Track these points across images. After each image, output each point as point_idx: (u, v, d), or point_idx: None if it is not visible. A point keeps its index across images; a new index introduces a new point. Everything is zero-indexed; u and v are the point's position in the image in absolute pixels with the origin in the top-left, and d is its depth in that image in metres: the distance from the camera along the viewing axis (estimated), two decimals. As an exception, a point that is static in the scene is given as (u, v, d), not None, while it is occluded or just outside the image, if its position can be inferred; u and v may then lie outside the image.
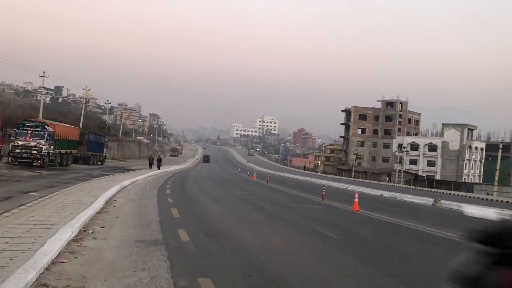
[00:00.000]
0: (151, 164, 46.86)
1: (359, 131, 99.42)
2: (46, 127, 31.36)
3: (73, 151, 38.32)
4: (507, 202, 35.51)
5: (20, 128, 30.61)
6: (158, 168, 44.41)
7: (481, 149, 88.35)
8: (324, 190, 23.86)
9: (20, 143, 29.72)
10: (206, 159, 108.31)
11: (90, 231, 8.95)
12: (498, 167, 57.24)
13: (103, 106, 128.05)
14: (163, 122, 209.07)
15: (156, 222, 10.83)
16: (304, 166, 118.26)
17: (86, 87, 72.62)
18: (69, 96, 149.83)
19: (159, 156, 55.06)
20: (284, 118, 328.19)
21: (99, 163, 47.51)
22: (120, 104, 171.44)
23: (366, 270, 7.51)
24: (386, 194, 32.47)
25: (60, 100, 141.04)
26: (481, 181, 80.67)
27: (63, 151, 34.65)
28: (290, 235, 10.96)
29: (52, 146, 31.42)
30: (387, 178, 67.87)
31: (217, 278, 6.04)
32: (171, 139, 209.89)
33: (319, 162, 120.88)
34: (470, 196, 41.88)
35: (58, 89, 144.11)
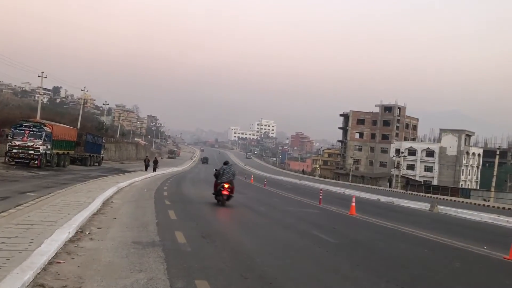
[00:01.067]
0: (147, 166, 45.92)
1: (357, 135, 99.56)
2: (44, 127, 31.30)
3: (71, 152, 38.26)
4: (503, 208, 35.57)
5: (18, 128, 30.53)
6: (154, 170, 43.54)
7: (479, 155, 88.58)
8: (321, 194, 23.89)
9: (18, 143, 29.65)
10: (205, 161, 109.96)
11: (87, 232, 8.94)
12: (495, 173, 57.39)
13: (101, 107, 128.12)
14: (161, 124, 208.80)
15: (153, 224, 10.82)
16: (303, 170, 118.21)
17: (84, 88, 72.53)
18: (67, 96, 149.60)
19: (155, 158, 52.87)
20: (282, 122, 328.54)
21: (96, 164, 47.41)
22: (118, 105, 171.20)
23: (363, 274, 7.53)
24: (383, 199, 32.49)
25: (58, 100, 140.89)
26: (478, 187, 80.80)
27: (60, 151, 34.58)
28: (287, 238, 10.98)
29: (49, 147, 31.36)
30: (388, 184, 67.43)
31: (213, 280, 6.05)
32: (169, 141, 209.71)
33: (317, 166, 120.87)
34: (466, 202, 41.93)
35: (56, 90, 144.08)
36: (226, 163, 17.45)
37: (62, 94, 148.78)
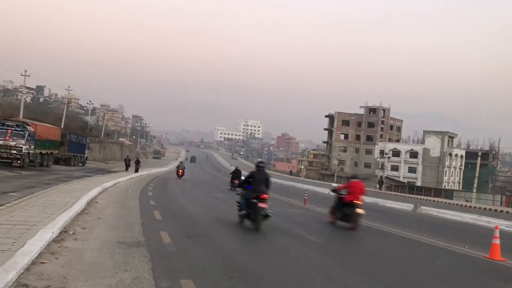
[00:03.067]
0: (127, 166, 43.51)
1: (342, 136, 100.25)
2: (27, 127, 30.89)
3: (54, 151, 37.81)
4: (484, 208, 36.21)
5: (0, 127, 30.07)
6: (136, 171, 40.52)
7: (461, 156, 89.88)
8: (306, 195, 24.05)
9: (0, 142, 29.20)
10: (193, 159, 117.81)
11: (71, 232, 8.89)
12: (477, 174, 58.34)
13: (85, 106, 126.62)
14: (146, 124, 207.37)
15: (138, 224, 10.80)
16: (290, 171, 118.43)
17: (69, 87, 71.74)
18: (51, 96, 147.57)
19: (137, 158, 47.95)
20: (268, 123, 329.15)
21: (80, 164, 46.96)
22: (102, 105, 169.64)
23: (346, 273, 7.63)
24: (367, 199, 32.68)
25: (41, 99, 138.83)
26: (461, 188, 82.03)
27: (43, 151, 34.16)
28: (271, 238, 11.03)
29: (32, 146, 30.94)
30: (378, 185, 67.61)
31: (198, 279, 6.07)
32: (154, 141, 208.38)
33: (302, 167, 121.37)
34: (449, 203, 42.54)
35: (40, 89, 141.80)
36: (181, 162, 49.72)
37: (46, 93, 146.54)
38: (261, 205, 11.08)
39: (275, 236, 11.44)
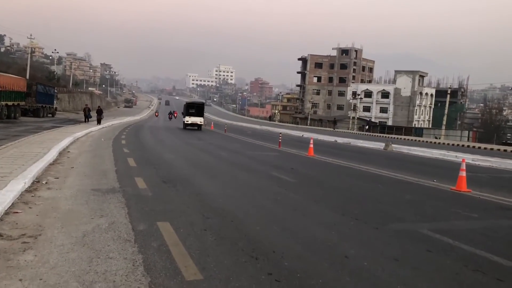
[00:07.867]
0: (87, 117, 36.72)
1: (315, 79, 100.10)
2: (-11, 78, 29.66)
3: (21, 103, 36.60)
4: (452, 144, 37.43)
5: (-40, 79, 28.77)
6: (99, 122, 34.94)
7: (431, 95, 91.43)
8: (280, 138, 24.27)
9: (-39, 95, 28.05)
10: (167, 103, 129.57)
11: (44, 182, 8.78)
12: (446, 112, 59.66)
13: (51, 56, 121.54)
14: (115, 72, 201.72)
15: (112, 171, 10.74)
16: (270, 117, 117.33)
17: (31, 35, 68.32)
18: (13, 45, 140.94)
19: (99, 107, 41.41)
20: (241, 67, 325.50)
21: (50, 115, 45.80)
22: (68, 54, 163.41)
23: (320, 210, 7.86)
24: (340, 140, 33.39)
25: (2, 49, 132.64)
26: (430, 126, 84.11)
27: (9, 103, 33.03)
28: (247, 180, 11.20)
29: (-3, 98, 29.88)
30: (333, 124, 68.44)
31: (175, 221, 6.15)
32: (125, 90, 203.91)
33: (276, 111, 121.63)
34: (419, 140, 43.71)
35: (0, 38, 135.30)
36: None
37: (7, 42, 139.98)
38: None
39: (251, 178, 11.61)
